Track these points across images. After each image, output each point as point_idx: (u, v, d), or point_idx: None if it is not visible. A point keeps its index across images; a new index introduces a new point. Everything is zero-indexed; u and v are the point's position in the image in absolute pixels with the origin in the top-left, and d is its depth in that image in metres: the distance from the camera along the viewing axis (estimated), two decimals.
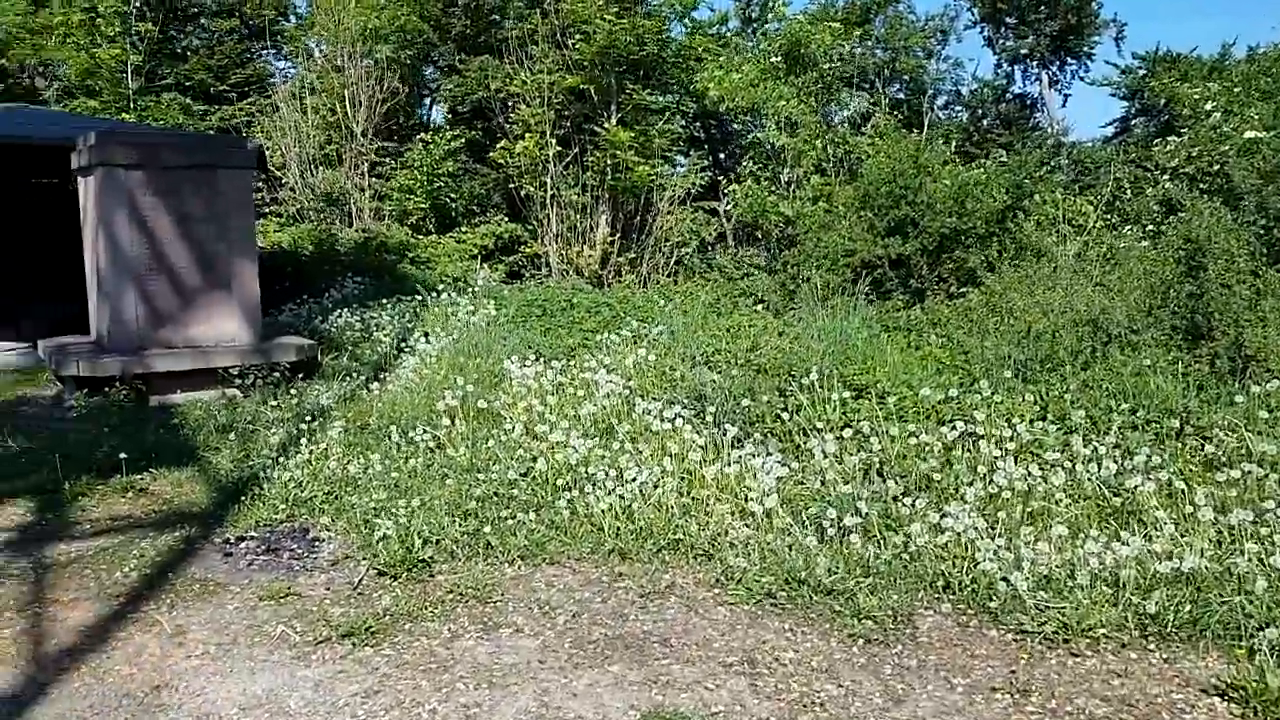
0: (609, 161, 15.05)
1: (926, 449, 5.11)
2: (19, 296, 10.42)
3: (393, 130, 17.04)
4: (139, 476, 5.71)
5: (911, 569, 4.23)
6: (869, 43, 16.60)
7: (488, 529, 4.77)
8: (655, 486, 5.04)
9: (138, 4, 17.14)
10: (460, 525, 4.82)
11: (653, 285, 14.62)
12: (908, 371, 6.24)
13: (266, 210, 16.29)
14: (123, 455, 5.70)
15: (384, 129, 16.63)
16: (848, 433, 5.23)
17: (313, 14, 18.29)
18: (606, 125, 15.17)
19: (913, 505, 4.51)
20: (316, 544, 4.88)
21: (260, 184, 16.37)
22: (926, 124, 15.75)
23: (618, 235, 15.86)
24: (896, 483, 4.78)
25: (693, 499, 5.02)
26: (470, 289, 10.40)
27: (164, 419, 6.85)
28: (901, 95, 17.87)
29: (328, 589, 4.36)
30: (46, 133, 8.76)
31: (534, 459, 5.55)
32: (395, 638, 3.85)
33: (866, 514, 4.50)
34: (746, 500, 4.83)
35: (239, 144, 8.49)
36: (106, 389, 7.27)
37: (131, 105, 16.26)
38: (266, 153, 15.13)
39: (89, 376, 7.24)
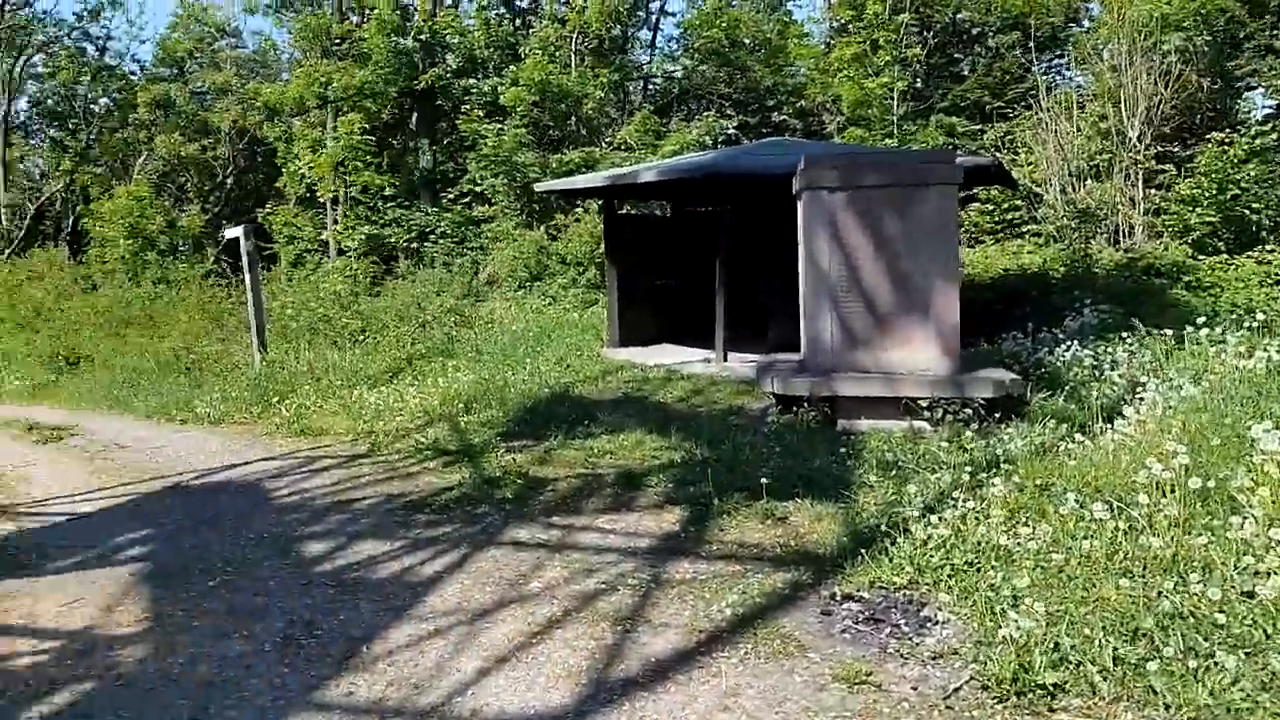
0: None
1: None
2: (767, 314, 11.51)
3: (1179, 132, 14.44)
4: (784, 503, 5.52)
5: None
6: None
7: (1154, 665, 3.32)
8: None
9: (918, 32, 17.72)
10: (1120, 648, 3.47)
11: None
12: None
13: (1024, 230, 15.32)
14: (773, 480, 5.61)
15: (1166, 132, 14.17)
16: None
17: (1102, 14, 16.66)
18: None
19: None
20: (927, 625, 4.01)
21: (1019, 203, 15.47)
22: None
23: None
24: None
25: None
26: (1253, 323, 8.02)
27: (837, 446, 6.62)
28: None
29: (913, 689, 3.49)
30: (785, 163, 9.38)
31: (1268, 574, 3.78)
32: None
33: None
34: None
35: (944, 160, 7.84)
36: (796, 408, 7.40)
37: (896, 131, 16.89)
38: (1019, 170, 14.19)
39: (783, 394, 7.45)
